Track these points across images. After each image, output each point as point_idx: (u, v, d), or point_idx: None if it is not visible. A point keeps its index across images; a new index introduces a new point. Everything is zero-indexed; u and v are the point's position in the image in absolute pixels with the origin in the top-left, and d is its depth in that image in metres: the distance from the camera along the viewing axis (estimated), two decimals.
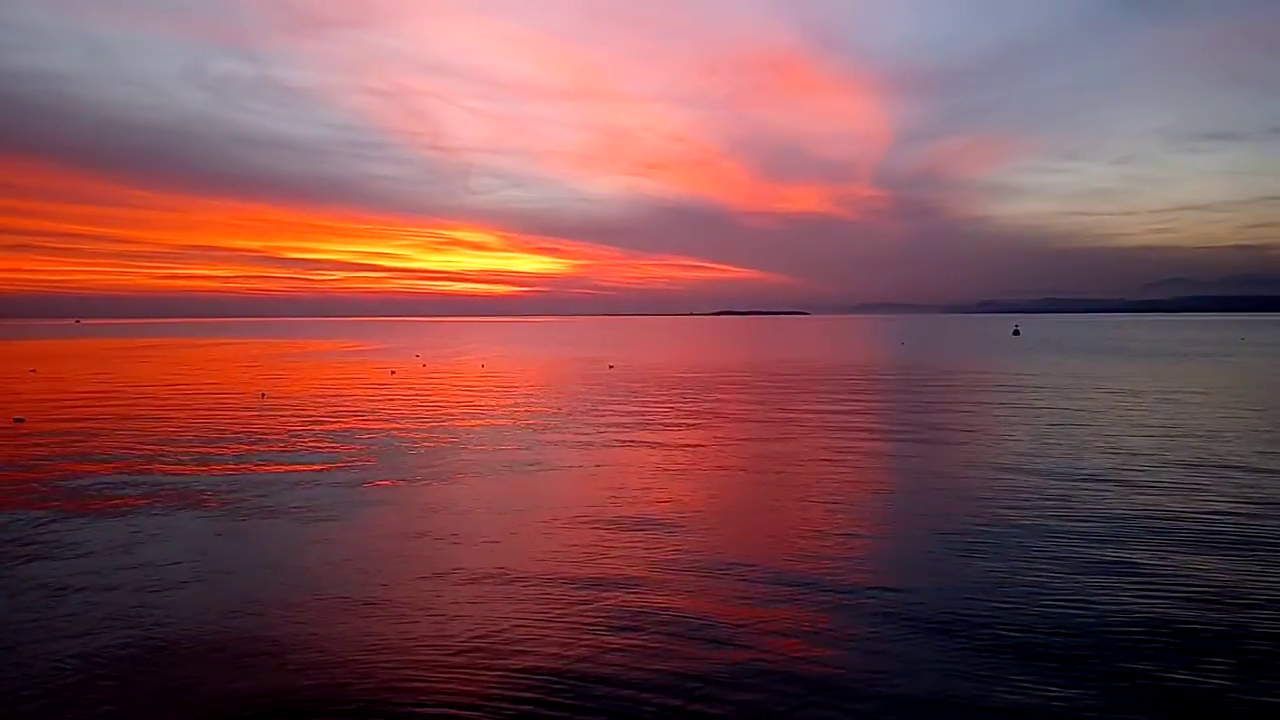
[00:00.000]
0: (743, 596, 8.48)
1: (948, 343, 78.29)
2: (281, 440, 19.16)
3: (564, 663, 6.92)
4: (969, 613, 7.94)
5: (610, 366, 45.55)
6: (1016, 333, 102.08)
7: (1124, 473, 14.46)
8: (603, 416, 23.18)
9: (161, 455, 17.13)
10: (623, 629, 7.63)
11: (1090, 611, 7.95)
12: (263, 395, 29.83)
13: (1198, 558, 9.60)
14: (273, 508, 12.49)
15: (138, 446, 18.24)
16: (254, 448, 18.08)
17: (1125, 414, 22.41)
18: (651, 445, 18.15)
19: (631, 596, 8.48)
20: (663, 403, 26.93)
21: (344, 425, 21.61)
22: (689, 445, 18.13)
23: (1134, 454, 16.27)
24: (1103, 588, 8.61)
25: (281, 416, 23.60)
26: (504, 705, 6.22)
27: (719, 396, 29.03)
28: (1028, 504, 12.22)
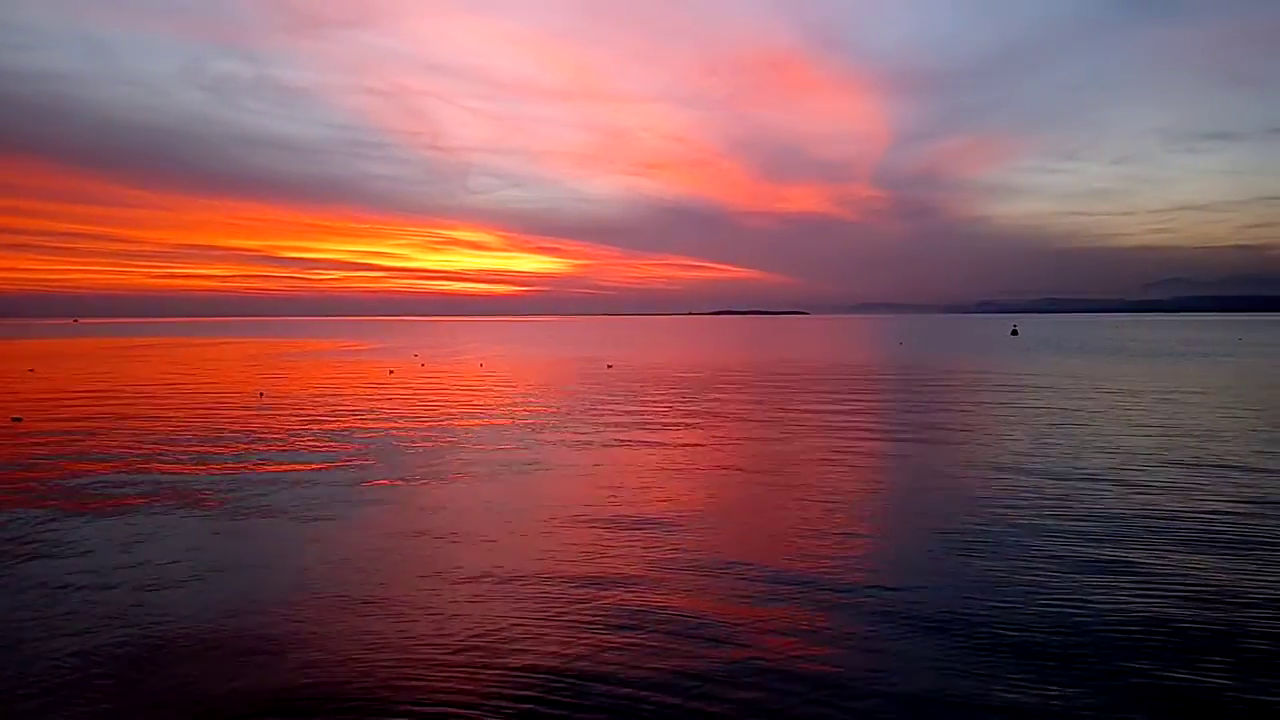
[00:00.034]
0: (741, 595, 8.49)
1: (946, 342, 78.30)
2: (280, 439, 19.15)
3: (563, 661, 6.93)
4: (967, 611, 7.95)
5: (609, 366, 45.56)
6: (1015, 332, 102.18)
7: (1122, 472, 14.48)
8: (601, 416, 23.19)
9: (160, 454, 17.12)
10: (621, 628, 7.63)
11: (1088, 610, 7.97)
12: (261, 395, 29.83)
13: (1196, 557, 9.62)
14: (271, 507, 12.48)
15: (136, 446, 18.23)
16: (252, 447, 18.07)
17: (1123, 414, 22.44)
18: (650, 445, 18.15)
19: (630, 595, 8.49)
20: (661, 402, 26.94)
21: (342, 425, 21.61)
22: (687, 445, 18.14)
23: (1132, 454, 16.29)
24: (1101, 587, 8.62)
25: (280, 416, 23.59)
26: (503, 704, 6.23)
27: (718, 396, 29.04)
28: (1026, 503, 12.23)
